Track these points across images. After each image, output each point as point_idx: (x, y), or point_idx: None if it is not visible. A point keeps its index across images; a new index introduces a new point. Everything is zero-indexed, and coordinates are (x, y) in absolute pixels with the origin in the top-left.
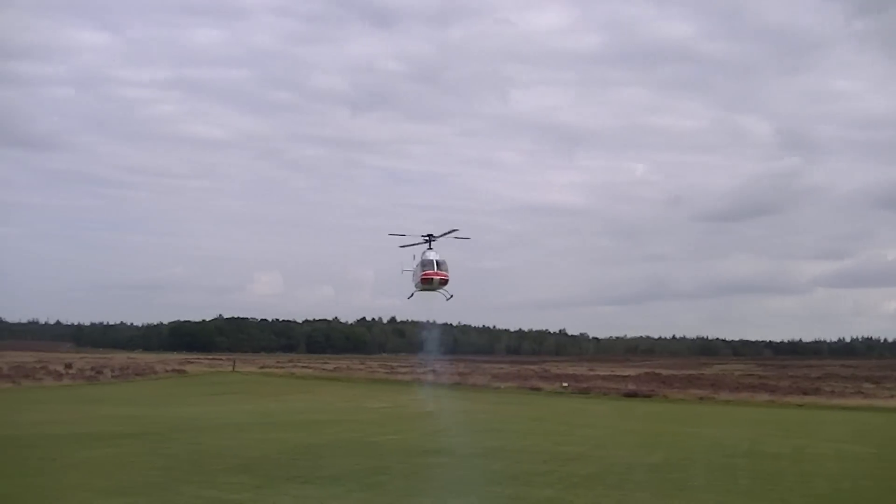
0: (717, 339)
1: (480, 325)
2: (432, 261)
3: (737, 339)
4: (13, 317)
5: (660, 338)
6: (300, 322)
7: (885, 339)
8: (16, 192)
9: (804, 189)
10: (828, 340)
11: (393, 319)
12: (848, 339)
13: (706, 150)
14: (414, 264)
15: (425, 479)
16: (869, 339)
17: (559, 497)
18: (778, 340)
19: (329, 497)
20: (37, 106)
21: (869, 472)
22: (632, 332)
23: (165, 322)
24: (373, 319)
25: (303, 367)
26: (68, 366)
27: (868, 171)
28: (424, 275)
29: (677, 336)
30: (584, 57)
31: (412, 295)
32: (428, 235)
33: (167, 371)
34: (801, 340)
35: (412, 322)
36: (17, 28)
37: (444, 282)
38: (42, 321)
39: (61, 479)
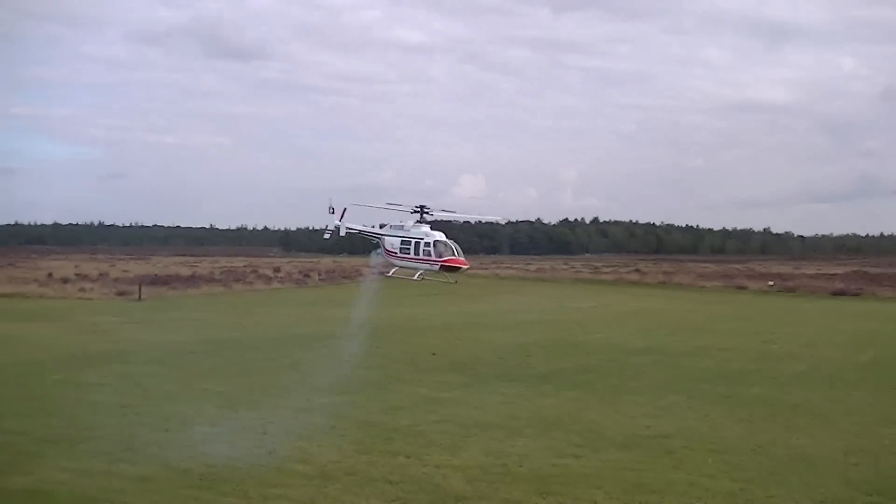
0: None
1: (684, 225)
2: (447, 244)
3: None
4: (223, 223)
5: (867, 235)
6: (503, 224)
7: None
8: (227, 102)
9: None
10: None
11: (596, 220)
12: None
13: None
14: (386, 234)
15: (634, 377)
16: None
17: (769, 395)
18: None
19: (538, 395)
20: (245, 16)
21: None
22: (839, 231)
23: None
24: (576, 220)
25: (506, 267)
26: (277, 269)
27: None
28: (448, 261)
29: (886, 234)
30: None
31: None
32: (420, 207)
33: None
34: None
35: (615, 222)
36: None
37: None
38: (250, 227)
39: (282, 378)
